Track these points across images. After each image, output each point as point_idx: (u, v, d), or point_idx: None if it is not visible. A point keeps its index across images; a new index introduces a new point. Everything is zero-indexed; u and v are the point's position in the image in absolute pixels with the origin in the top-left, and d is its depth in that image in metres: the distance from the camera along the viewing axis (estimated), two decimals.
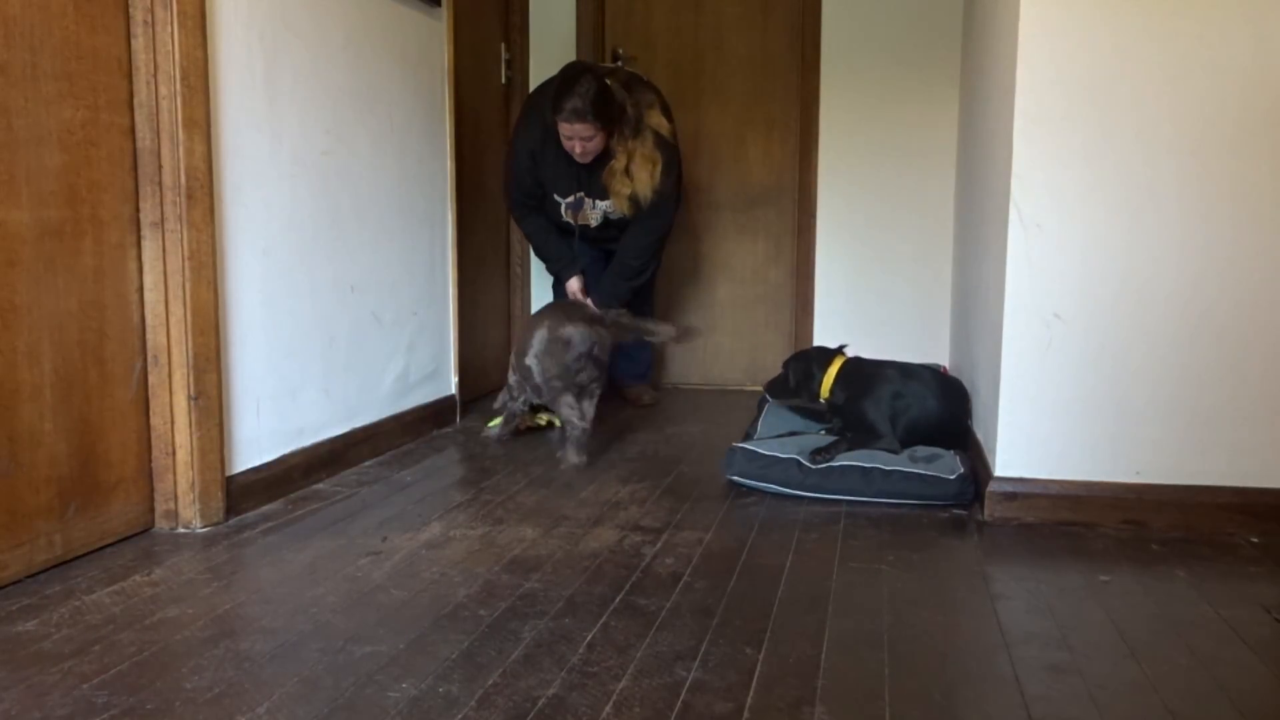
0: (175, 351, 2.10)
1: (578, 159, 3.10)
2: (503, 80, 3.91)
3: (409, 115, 3.03)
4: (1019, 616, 1.71)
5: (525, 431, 3.16)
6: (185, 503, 2.14)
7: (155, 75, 2.04)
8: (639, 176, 3.12)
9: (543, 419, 3.20)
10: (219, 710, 1.36)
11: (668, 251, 3.64)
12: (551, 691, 1.41)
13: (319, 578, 1.87)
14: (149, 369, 2.11)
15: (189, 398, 2.11)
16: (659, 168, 3.13)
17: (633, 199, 3.16)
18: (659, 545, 2.08)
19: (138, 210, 2.07)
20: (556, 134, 3.05)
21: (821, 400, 2.83)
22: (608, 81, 3.05)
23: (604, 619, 1.68)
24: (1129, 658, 1.55)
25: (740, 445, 2.58)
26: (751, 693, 1.41)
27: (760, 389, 3.74)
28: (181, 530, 2.14)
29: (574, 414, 2.72)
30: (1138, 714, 1.37)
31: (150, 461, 2.13)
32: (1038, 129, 2.20)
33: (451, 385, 3.36)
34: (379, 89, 2.85)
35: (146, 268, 2.08)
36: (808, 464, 2.46)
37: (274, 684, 1.43)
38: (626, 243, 3.30)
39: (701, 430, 3.28)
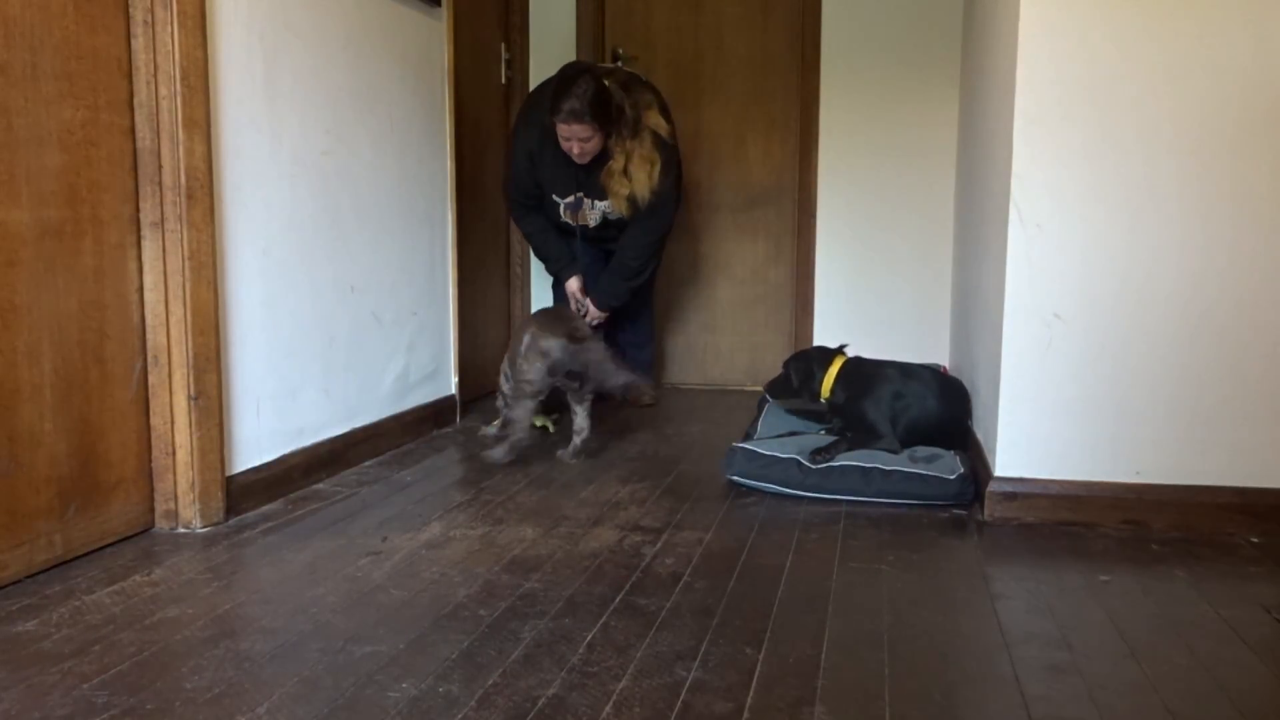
0: (175, 351, 2.10)
1: (576, 160, 3.10)
2: (503, 80, 3.91)
3: (409, 115, 3.03)
4: (1019, 616, 1.71)
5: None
6: (185, 503, 2.14)
7: (155, 75, 2.04)
8: (637, 177, 3.12)
9: (539, 421, 3.20)
10: (219, 710, 1.36)
11: (668, 251, 3.64)
12: (551, 691, 1.41)
13: (319, 578, 1.87)
14: (149, 369, 2.11)
15: (189, 398, 2.11)
16: (657, 168, 3.13)
17: (631, 199, 3.16)
18: (659, 545, 2.08)
19: (138, 210, 2.07)
20: (555, 134, 3.05)
21: (822, 400, 2.84)
22: (605, 82, 3.05)
23: (604, 619, 1.68)
24: (1129, 658, 1.55)
25: (740, 445, 2.58)
26: (751, 693, 1.41)
27: (760, 389, 3.75)
28: (181, 530, 2.14)
29: (524, 422, 2.71)
30: (1138, 714, 1.37)
31: (150, 461, 2.13)
32: (1038, 129, 2.20)
33: (451, 385, 3.36)
34: (379, 89, 2.85)
35: (146, 268, 2.08)
36: (808, 464, 2.46)
37: (274, 684, 1.43)
38: (625, 243, 3.30)
39: (701, 430, 3.28)
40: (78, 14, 1.91)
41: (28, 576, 1.84)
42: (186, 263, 2.08)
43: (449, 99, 3.27)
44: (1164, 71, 2.14)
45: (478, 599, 1.77)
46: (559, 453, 2.82)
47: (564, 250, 3.39)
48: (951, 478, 2.37)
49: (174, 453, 2.12)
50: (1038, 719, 1.35)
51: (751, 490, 2.52)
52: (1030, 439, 2.26)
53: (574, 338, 2.71)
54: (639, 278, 3.36)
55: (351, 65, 2.70)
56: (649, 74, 3.70)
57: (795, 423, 2.98)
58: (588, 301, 3.40)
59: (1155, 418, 2.22)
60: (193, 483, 2.13)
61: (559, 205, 3.27)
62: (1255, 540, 2.15)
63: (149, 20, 2.03)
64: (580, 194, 3.23)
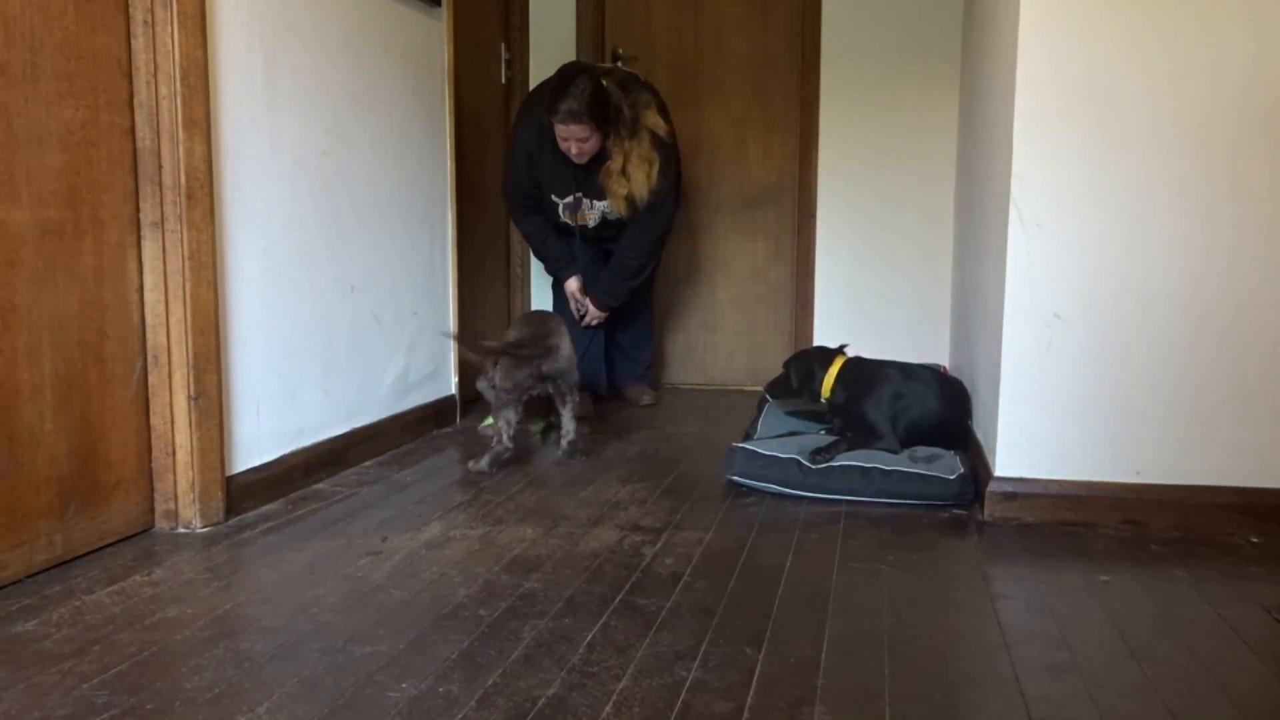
0: (175, 351, 2.10)
1: (574, 160, 3.10)
2: (503, 80, 3.91)
3: (409, 115, 3.03)
4: (1019, 616, 1.71)
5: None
6: (185, 503, 2.14)
7: (155, 75, 2.04)
8: (635, 177, 3.11)
9: (535, 427, 3.19)
10: (219, 710, 1.36)
11: (667, 251, 3.64)
12: (551, 691, 1.41)
13: (319, 578, 1.87)
14: (149, 369, 2.11)
15: (189, 398, 2.11)
16: (655, 168, 3.13)
17: (629, 199, 3.16)
18: (659, 545, 2.08)
19: (138, 210, 2.07)
20: (553, 135, 3.05)
21: (822, 400, 2.84)
22: (603, 82, 3.05)
23: (604, 619, 1.68)
24: (1129, 658, 1.55)
25: (740, 445, 2.58)
26: (751, 693, 1.41)
27: (760, 389, 3.75)
28: (181, 530, 2.14)
29: (506, 431, 2.69)
30: (1138, 714, 1.37)
31: (150, 461, 2.13)
32: (1038, 129, 2.20)
33: (451, 385, 3.36)
34: (379, 89, 2.85)
35: (146, 268, 2.08)
36: (808, 464, 2.46)
37: (274, 684, 1.43)
38: (625, 242, 3.30)
39: (701, 430, 3.28)
40: (78, 14, 1.91)
41: (28, 576, 1.84)
42: (186, 263, 2.08)
43: (449, 99, 3.27)
44: (1164, 71, 2.14)
45: (478, 599, 1.77)
46: (471, 463, 2.76)
47: (563, 250, 3.39)
48: (951, 478, 2.37)
49: (174, 453, 2.12)
50: (1038, 719, 1.35)
51: (751, 490, 2.52)
52: (1030, 439, 2.26)
53: (540, 339, 2.69)
54: (638, 277, 3.36)
55: (351, 65, 2.70)
56: (649, 74, 3.70)
57: (795, 423, 2.98)
58: (587, 301, 3.40)
59: (1155, 418, 2.22)
60: (193, 483, 2.13)
61: (558, 205, 3.27)
62: (1255, 540, 2.15)
63: (149, 20, 2.03)
64: (579, 194, 3.23)
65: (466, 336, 3.51)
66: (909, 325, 3.97)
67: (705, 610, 1.72)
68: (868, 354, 2.95)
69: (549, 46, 4.06)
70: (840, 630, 1.64)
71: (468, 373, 3.49)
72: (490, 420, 3.08)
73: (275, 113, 2.37)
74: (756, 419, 3.08)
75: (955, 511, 2.35)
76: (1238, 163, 2.14)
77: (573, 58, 3.91)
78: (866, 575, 1.91)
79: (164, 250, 2.08)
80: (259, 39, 2.30)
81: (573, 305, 3.44)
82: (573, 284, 3.41)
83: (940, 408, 2.68)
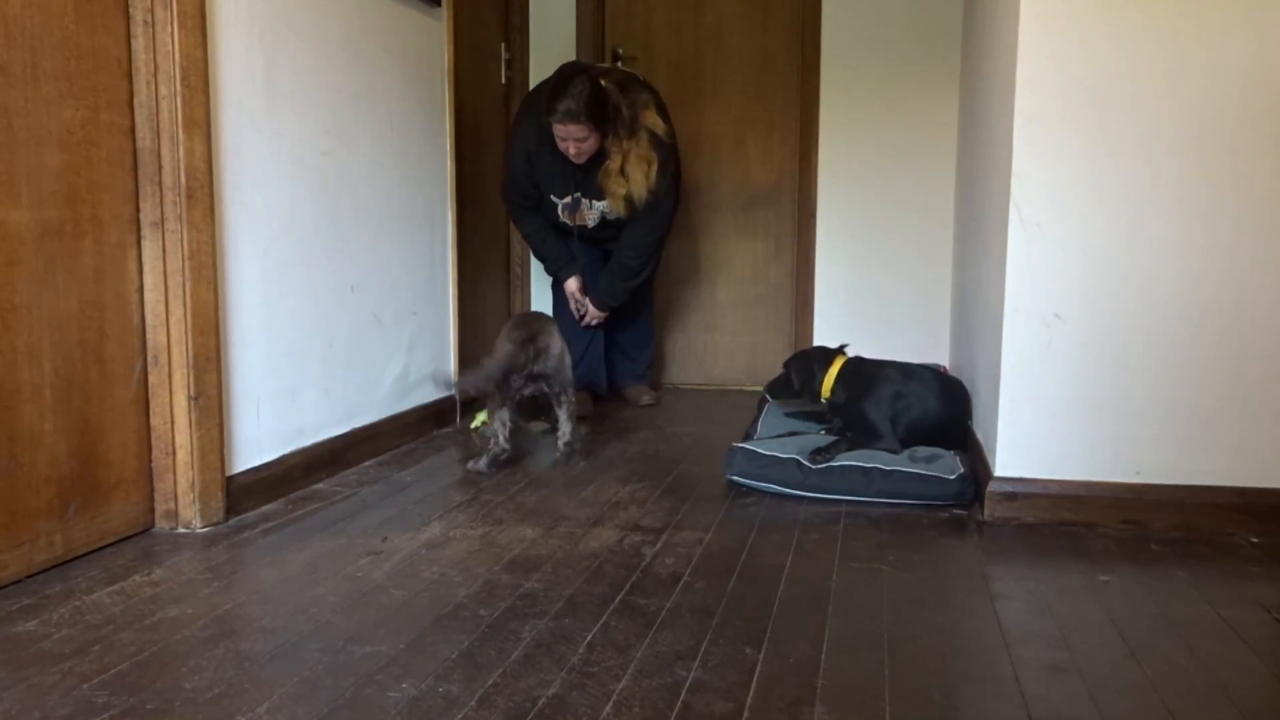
0: (175, 351, 2.10)
1: (573, 160, 3.10)
2: (503, 80, 3.91)
3: (409, 115, 3.03)
4: (1019, 616, 1.71)
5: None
6: (185, 503, 2.14)
7: (155, 75, 2.04)
8: (634, 177, 3.11)
9: (537, 428, 3.19)
10: (219, 710, 1.36)
11: (667, 251, 3.64)
12: (551, 691, 1.41)
13: (319, 578, 1.87)
14: (149, 369, 2.11)
15: (189, 398, 2.11)
16: (654, 168, 3.13)
17: (628, 199, 3.16)
18: (659, 545, 2.08)
19: (138, 210, 2.07)
20: (552, 135, 3.05)
21: (823, 400, 2.84)
22: (602, 82, 3.04)
23: (604, 619, 1.68)
24: (1129, 658, 1.55)
25: (740, 445, 2.58)
26: (751, 693, 1.41)
27: (760, 389, 3.75)
28: (181, 530, 2.14)
29: (501, 433, 2.69)
30: (1138, 714, 1.37)
31: (150, 461, 2.13)
32: (1038, 129, 2.20)
33: (452, 386, 3.36)
34: (379, 89, 2.85)
35: (146, 268, 2.08)
36: (808, 464, 2.46)
37: (274, 684, 1.43)
38: (624, 242, 3.30)
39: (701, 430, 3.28)
40: (78, 14, 1.91)
41: (28, 576, 1.84)
42: (186, 263, 2.08)
43: (449, 99, 3.27)
44: (1164, 71, 2.14)
45: (478, 599, 1.77)
46: (470, 463, 2.75)
47: (562, 251, 3.39)
48: (951, 478, 2.37)
49: (174, 453, 2.12)
50: (1038, 719, 1.35)
51: (751, 490, 2.52)
52: (1030, 439, 2.26)
53: (530, 338, 2.68)
54: (638, 277, 3.36)
55: (351, 65, 2.70)
56: (649, 74, 3.70)
57: (795, 423, 2.98)
58: (587, 301, 3.40)
59: (1155, 418, 2.22)
60: (193, 483, 2.13)
61: (557, 206, 3.27)
62: (1255, 540, 2.15)
63: (149, 20, 2.03)
64: (578, 194, 3.23)
65: (467, 336, 3.51)
66: (909, 325, 3.97)
67: (705, 610, 1.72)
68: (868, 354, 2.95)
69: (549, 46, 4.06)
70: (840, 630, 1.64)
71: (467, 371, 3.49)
72: (482, 417, 3.07)
73: (275, 113, 2.37)
74: (756, 419, 3.08)
75: (955, 511, 2.35)
76: (1238, 163, 2.14)
77: (573, 58, 3.91)
78: (866, 575, 1.91)
79: (164, 250, 2.08)
80: (259, 39, 2.30)
81: (573, 305, 3.44)
82: (572, 284, 3.41)
83: (940, 408, 2.68)
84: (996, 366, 2.31)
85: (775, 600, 1.77)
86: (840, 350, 2.89)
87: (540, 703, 1.38)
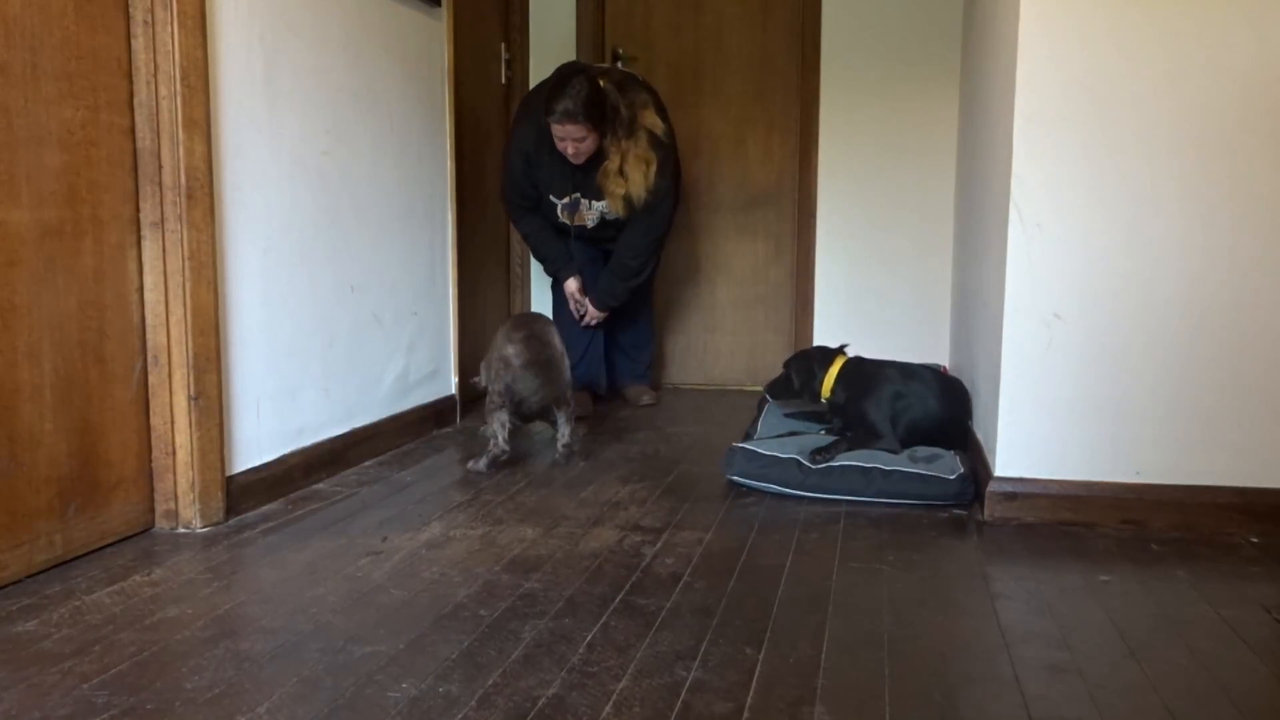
0: (175, 351, 2.10)
1: (571, 160, 3.10)
2: (503, 80, 3.91)
3: (409, 115, 3.03)
4: (1019, 616, 1.71)
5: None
6: (185, 503, 2.14)
7: (155, 75, 2.04)
8: (633, 177, 3.11)
9: (537, 426, 3.19)
10: (219, 710, 1.36)
11: (667, 251, 3.64)
12: (551, 691, 1.41)
13: (319, 578, 1.87)
14: (149, 369, 2.11)
15: (189, 398, 2.11)
16: (653, 168, 3.13)
17: (626, 199, 3.16)
18: (659, 545, 2.08)
19: (138, 210, 2.07)
20: (551, 135, 3.05)
21: (823, 400, 2.84)
22: (600, 82, 3.04)
23: (604, 619, 1.68)
24: (1129, 658, 1.55)
25: (740, 445, 2.58)
26: (751, 693, 1.41)
27: (760, 389, 3.75)
28: (181, 530, 2.14)
29: (501, 434, 2.68)
30: (1138, 714, 1.37)
31: (150, 461, 2.13)
32: (1037, 128, 2.20)
33: (451, 385, 3.36)
34: (379, 89, 2.85)
35: (146, 268, 2.08)
36: (808, 464, 2.46)
37: (274, 684, 1.43)
38: (623, 243, 3.30)
39: (701, 430, 3.28)
40: (78, 14, 1.91)
41: (28, 576, 1.84)
42: (186, 263, 2.08)
43: (449, 99, 3.27)
44: (1164, 71, 2.14)
45: (478, 599, 1.77)
46: (470, 463, 2.75)
47: (562, 251, 3.39)
48: (951, 478, 2.37)
49: (174, 453, 2.12)
50: (1038, 719, 1.35)
51: (751, 490, 2.52)
52: (1030, 439, 2.26)
53: (532, 340, 2.68)
54: (638, 278, 3.36)
55: (351, 65, 2.70)
56: (649, 74, 3.70)
57: (795, 423, 2.98)
58: (587, 302, 3.40)
59: (1155, 418, 2.22)
60: (193, 483, 2.13)
61: (556, 206, 3.27)
62: (1255, 540, 2.15)
63: (149, 20, 2.03)
64: (577, 195, 3.23)
65: (467, 336, 3.51)
66: (909, 325, 3.97)
67: (705, 610, 1.72)
68: (868, 354, 2.95)
69: (549, 46, 4.06)
70: (840, 630, 1.64)
71: (466, 374, 3.49)
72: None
73: (275, 113, 2.37)
74: (756, 419, 3.08)
75: (955, 511, 2.35)
76: (1238, 163, 2.14)
77: (573, 58, 3.91)
78: (866, 575, 1.91)
79: (164, 250, 2.08)
80: (259, 39, 2.30)
81: (572, 305, 3.44)
82: (571, 284, 3.41)
83: (940, 408, 2.68)
84: (996, 366, 2.31)
85: (775, 600, 1.77)
86: (840, 350, 2.89)
87: (540, 703, 1.38)
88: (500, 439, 2.69)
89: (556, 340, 2.77)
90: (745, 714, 1.35)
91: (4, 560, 1.79)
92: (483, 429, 3.12)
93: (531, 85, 3.81)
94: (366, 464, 2.77)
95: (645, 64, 4.05)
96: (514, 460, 2.77)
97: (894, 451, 2.55)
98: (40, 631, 1.61)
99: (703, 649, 1.56)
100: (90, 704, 1.37)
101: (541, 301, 4.04)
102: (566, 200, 3.25)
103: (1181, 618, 1.71)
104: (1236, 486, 2.20)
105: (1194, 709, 1.38)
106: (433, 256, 3.22)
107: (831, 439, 2.65)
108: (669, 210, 3.28)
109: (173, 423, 2.12)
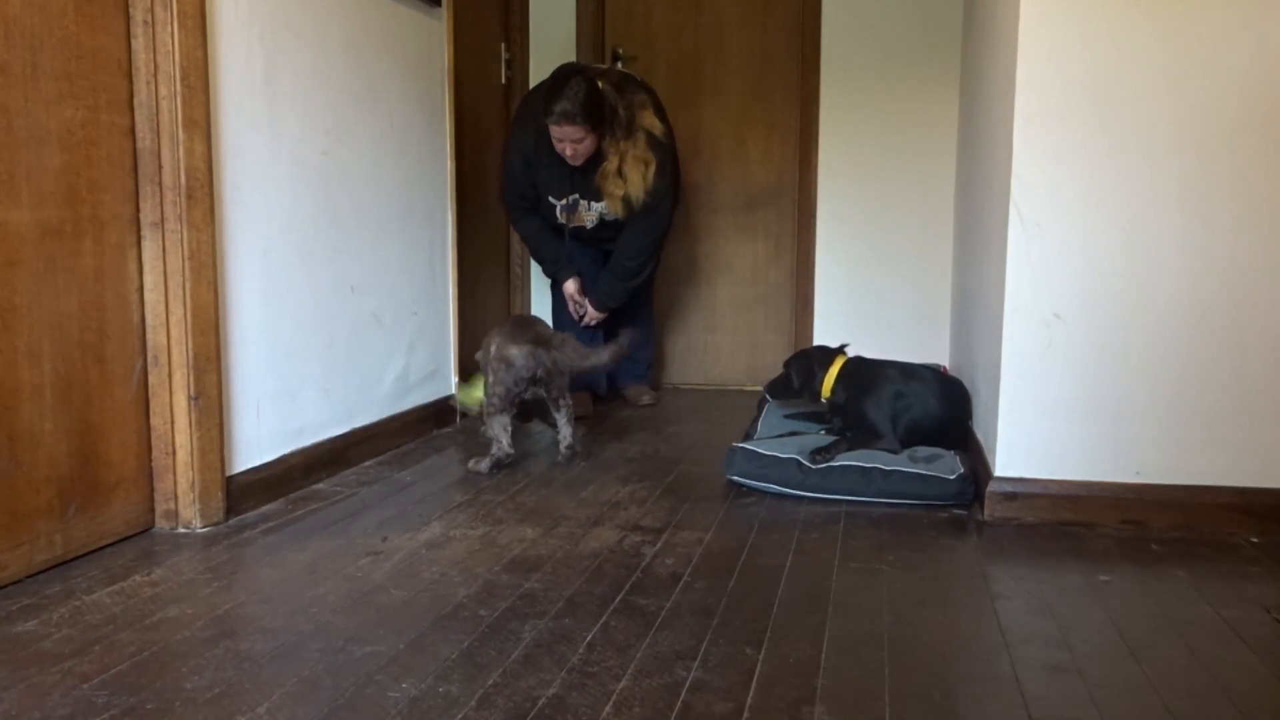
0: (175, 351, 2.10)
1: (569, 161, 3.10)
2: (503, 80, 3.91)
3: (409, 115, 3.03)
4: (1019, 616, 1.71)
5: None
6: (185, 503, 2.14)
7: (155, 75, 2.04)
8: (631, 178, 3.11)
9: (537, 426, 3.19)
10: (219, 710, 1.36)
11: (667, 251, 3.64)
12: (551, 691, 1.41)
13: (319, 578, 1.87)
14: (149, 369, 2.11)
15: (189, 398, 2.11)
16: (651, 169, 3.13)
17: (625, 200, 3.16)
18: (659, 545, 2.08)
19: (138, 210, 2.07)
20: (549, 136, 3.05)
21: (823, 400, 2.84)
22: (599, 83, 3.04)
23: (604, 619, 1.68)
24: (1129, 658, 1.55)
25: (740, 445, 2.58)
26: (751, 693, 1.41)
27: (760, 389, 3.75)
28: (181, 530, 2.14)
29: (504, 437, 2.68)
30: (1138, 714, 1.37)
31: (150, 461, 2.13)
32: (1037, 128, 2.20)
33: (451, 385, 3.36)
34: (379, 89, 2.85)
35: (146, 268, 2.08)
36: (808, 464, 2.46)
37: (274, 684, 1.43)
38: (623, 243, 3.30)
39: (701, 430, 3.28)
40: (78, 14, 1.91)
41: (28, 576, 1.84)
42: (186, 263, 2.08)
43: (449, 99, 3.27)
44: (1164, 71, 2.14)
45: (478, 599, 1.77)
46: (471, 463, 2.75)
47: (561, 252, 3.39)
48: (951, 478, 2.37)
49: (174, 453, 2.12)
50: (1038, 719, 1.35)
51: (751, 490, 2.52)
52: (1030, 439, 2.26)
53: (538, 342, 2.68)
54: (637, 278, 3.36)
55: (351, 65, 2.70)
56: (648, 74, 3.70)
57: (795, 423, 2.98)
58: (586, 302, 3.39)
59: (1155, 418, 2.22)
60: (193, 483, 2.13)
61: (555, 207, 3.27)
62: (1255, 540, 2.15)
63: (149, 20, 2.03)
64: (576, 195, 3.23)
65: (467, 336, 3.51)
66: (909, 325, 3.97)
67: (705, 610, 1.72)
68: (868, 354, 2.95)
69: (549, 46, 4.06)
70: (840, 630, 1.64)
71: (466, 374, 3.49)
72: (466, 390, 3.05)
73: (275, 113, 2.37)
74: (756, 419, 3.08)
75: (955, 511, 2.35)
76: (1238, 163, 2.14)
77: (573, 58, 3.91)
78: (866, 575, 1.91)
79: (164, 250, 2.08)
80: (259, 39, 2.30)
81: (571, 307, 3.44)
82: (570, 285, 3.41)
83: (940, 408, 2.68)
84: (996, 366, 2.31)
85: (775, 600, 1.77)
86: (840, 350, 2.89)
87: (540, 703, 1.38)
88: (504, 442, 2.69)
89: (554, 336, 2.79)
90: (745, 714, 1.35)
91: (4, 560, 1.79)
92: (483, 430, 3.12)
93: (531, 85, 3.81)
94: (366, 464, 2.77)
95: (645, 64, 4.05)
96: (514, 460, 2.77)
97: (894, 451, 2.55)
98: (40, 631, 1.61)
99: (703, 649, 1.56)
100: (90, 704, 1.37)
101: (541, 302, 4.04)
102: (565, 201, 3.25)
103: (1181, 618, 1.71)
104: (1236, 486, 2.20)
105: (1194, 709, 1.38)
106: (432, 256, 3.22)
107: (831, 439, 2.65)
108: (668, 211, 3.28)
109: (173, 423, 2.12)
